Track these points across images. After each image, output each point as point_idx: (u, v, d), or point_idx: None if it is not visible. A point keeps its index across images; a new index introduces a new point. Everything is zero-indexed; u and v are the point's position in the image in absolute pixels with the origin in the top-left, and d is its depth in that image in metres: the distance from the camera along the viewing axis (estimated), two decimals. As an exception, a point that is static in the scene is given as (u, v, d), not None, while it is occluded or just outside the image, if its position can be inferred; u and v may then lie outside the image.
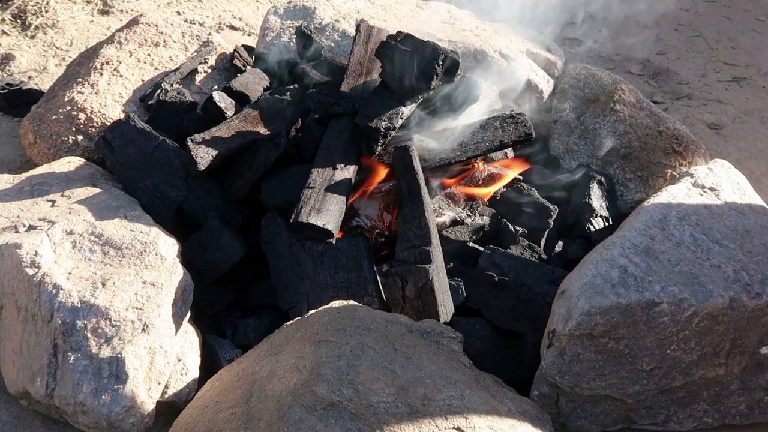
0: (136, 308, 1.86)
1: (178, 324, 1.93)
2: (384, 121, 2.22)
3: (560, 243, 2.44)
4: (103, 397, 1.76)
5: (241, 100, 2.55)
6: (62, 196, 2.22)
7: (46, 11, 3.65)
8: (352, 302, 1.91)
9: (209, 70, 2.84)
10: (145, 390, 1.81)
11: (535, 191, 2.49)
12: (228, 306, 2.20)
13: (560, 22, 3.21)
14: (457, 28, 3.07)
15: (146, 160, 2.33)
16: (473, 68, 2.73)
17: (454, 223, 2.34)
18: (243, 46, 2.94)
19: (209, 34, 2.96)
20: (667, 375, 1.90)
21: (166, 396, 1.89)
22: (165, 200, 2.28)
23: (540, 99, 2.84)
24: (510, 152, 2.60)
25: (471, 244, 2.34)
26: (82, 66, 2.78)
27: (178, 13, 3.82)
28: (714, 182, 2.29)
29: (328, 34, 2.96)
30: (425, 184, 2.17)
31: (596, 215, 2.47)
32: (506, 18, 3.19)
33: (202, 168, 2.21)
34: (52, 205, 2.17)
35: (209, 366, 1.99)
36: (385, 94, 2.31)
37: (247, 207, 2.34)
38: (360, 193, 2.28)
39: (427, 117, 2.39)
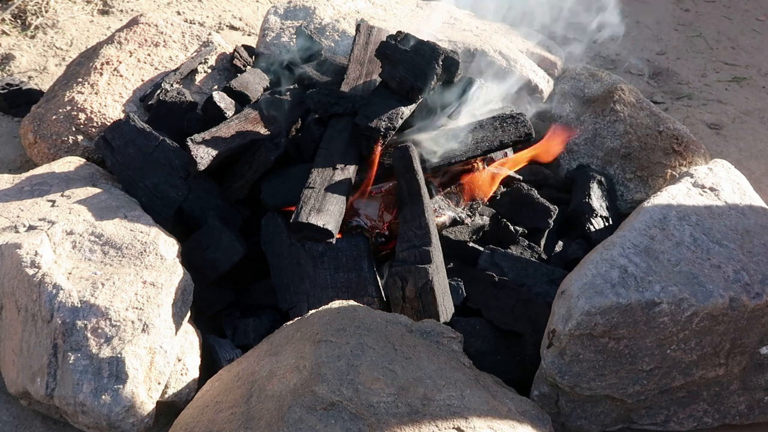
0: (136, 308, 1.86)
1: (178, 324, 1.93)
2: (384, 121, 2.22)
3: (560, 243, 2.44)
4: (103, 397, 1.76)
5: (241, 100, 2.54)
6: (62, 196, 2.22)
7: (46, 11, 3.65)
8: (352, 302, 1.91)
9: (209, 70, 2.84)
10: (145, 390, 1.80)
11: (535, 191, 2.49)
12: (228, 306, 2.20)
13: (560, 23, 3.21)
14: (457, 28, 3.07)
15: (146, 160, 2.33)
16: (473, 68, 2.73)
17: (454, 223, 2.34)
18: (243, 46, 2.93)
19: (209, 34, 2.96)
20: (667, 375, 1.90)
21: (166, 396, 1.89)
22: (165, 200, 2.28)
23: (540, 99, 2.84)
24: (510, 152, 2.60)
25: (471, 244, 2.34)
26: (82, 66, 2.78)
27: (178, 13, 3.82)
28: (714, 182, 2.29)
29: (328, 34, 2.96)
30: (425, 184, 2.17)
31: (596, 215, 2.47)
32: (506, 18, 3.20)
33: (202, 168, 2.21)
34: (52, 205, 2.17)
35: (209, 366, 1.99)
36: (385, 94, 2.31)
37: (247, 207, 2.34)
38: (360, 193, 2.28)
39: (427, 117, 2.39)
